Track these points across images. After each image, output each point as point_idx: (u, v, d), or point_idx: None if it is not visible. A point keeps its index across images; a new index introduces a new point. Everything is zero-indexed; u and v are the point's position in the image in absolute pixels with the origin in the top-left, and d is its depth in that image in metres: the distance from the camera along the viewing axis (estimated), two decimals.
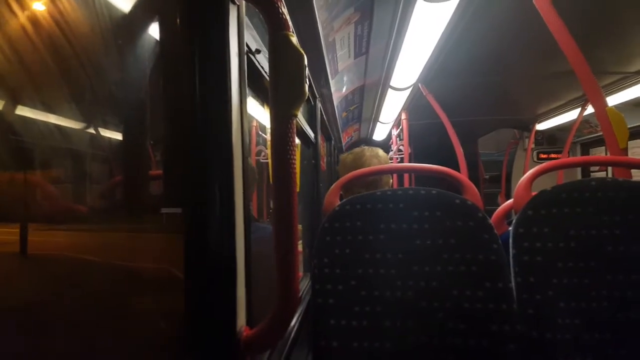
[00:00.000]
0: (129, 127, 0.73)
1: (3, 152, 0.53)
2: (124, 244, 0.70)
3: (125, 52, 0.74)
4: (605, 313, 1.15)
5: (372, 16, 2.31)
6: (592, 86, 1.70)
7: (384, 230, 1.18)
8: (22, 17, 0.56)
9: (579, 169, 4.85)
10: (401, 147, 4.91)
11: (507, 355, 1.09)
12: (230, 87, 0.70)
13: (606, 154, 3.03)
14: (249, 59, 0.91)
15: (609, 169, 4.51)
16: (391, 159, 5.11)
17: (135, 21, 0.74)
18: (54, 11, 0.60)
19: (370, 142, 6.84)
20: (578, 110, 4.08)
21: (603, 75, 3.16)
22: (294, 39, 0.64)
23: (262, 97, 1.34)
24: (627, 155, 1.71)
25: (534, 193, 1.28)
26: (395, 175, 4.96)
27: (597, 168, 4.90)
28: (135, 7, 0.73)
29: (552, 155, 5.46)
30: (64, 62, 0.63)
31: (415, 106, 4.23)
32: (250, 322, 0.71)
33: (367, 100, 4.65)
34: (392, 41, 2.58)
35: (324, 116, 3.12)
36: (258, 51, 0.93)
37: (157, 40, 0.75)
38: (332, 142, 4.60)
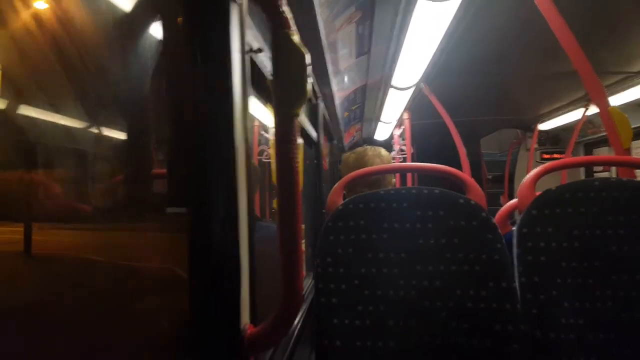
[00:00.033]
0: (132, 127, 0.73)
1: (7, 151, 0.53)
2: (128, 243, 0.70)
3: (127, 51, 0.74)
4: (610, 313, 1.15)
5: (373, 15, 2.31)
6: (595, 86, 1.69)
7: (387, 230, 1.18)
8: (23, 16, 0.56)
9: (582, 170, 4.84)
10: (403, 147, 4.90)
11: (511, 355, 1.09)
12: (232, 86, 0.70)
13: (609, 154, 3.02)
14: (251, 58, 0.91)
15: (613, 169, 4.50)
16: (393, 158, 5.10)
17: (136, 21, 0.74)
18: (55, 11, 0.60)
19: (372, 142, 6.83)
20: (581, 110, 4.07)
21: (605, 75, 3.15)
22: (296, 38, 0.64)
23: (264, 97, 1.34)
24: (630, 155, 1.71)
25: (537, 193, 1.28)
26: (397, 175, 4.95)
27: (600, 168, 4.88)
28: (136, 7, 0.73)
29: (555, 156, 5.44)
30: (66, 62, 0.63)
31: (417, 106, 4.23)
32: (253, 321, 0.71)
33: (369, 99, 4.65)
34: (393, 40, 2.58)
35: (326, 116, 3.12)
36: (260, 50, 0.93)
37: (158, 40, 0.75)
38: (334, 141, 4.60)
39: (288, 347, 1.20)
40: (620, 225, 1.20)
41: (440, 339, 1.11)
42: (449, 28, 2.26)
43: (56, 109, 0.60)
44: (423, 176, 4.55)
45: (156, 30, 0.76)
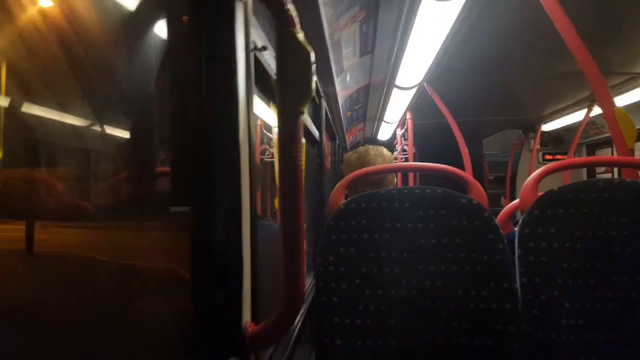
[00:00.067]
0: (136, 125, 0.73)
1: (12, 148, 0.53)
2: (131, 241, 0.70)
3: (132, 49, 0.74)
4: (610, 314, 1.15)
5: (377, 14, 2.30)
6: (600, 86, 1.69)
7: (389, 229, 1.17)
8: (28, 14, 0.56)
9: (584, 172, 4.82)
10: (405, 147, 4.89)
11: (512, 355, 1.09)
12: (237, 84, 0.69)
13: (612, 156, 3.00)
14: (255, 57, 0.90)
15: (615, 171, 4.48)
16: (395, 158, 5.10)
17: (141, 19, 0.74)
18: (60, 9, 0.60)
19: (374, 142, 6.82)
20: (584, 111, 4.05)
21: (610, 75, 3.14)
22: (301, 36, 0.64)
23: (267, 95, 1.34)
24: (634, 156, 1.70)
25: (540, 193, 1.27)
26: (399, 175, 4.95)
27: (602, 170, 4.87)
28: (141, 5, 0.73)
29: (558, 157, 5.43)
30: (71, 60, 0.63)
31: (419, 106, 4.22)
32: (255, 319, 0.71)
33: (372, 99, 4.64)
34: (397, 40, 2.57)
35: (329, 115, 3.12)
36: (264, 48, 0.93)
37: (163, 38, 0.75)
38: (337, 141, 4.59)
39: (289, 346, 1.20)
40: (624, 226, 1.19)
41: (441, 339, 1.11)
42: (452, 27, 2.25)
43: (60, 107, 0.60)
44: (424, 177, 4.54)
45: (161, 28, 0.76)
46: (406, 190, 1.21)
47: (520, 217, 1.29)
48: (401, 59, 2.80)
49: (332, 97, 2.90)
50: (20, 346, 0.50)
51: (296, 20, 0.64)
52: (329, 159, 4.04)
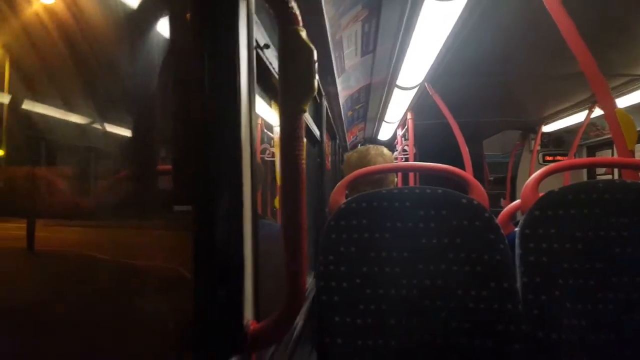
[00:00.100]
0: (138, 123, 0.73)
1: (14, 146, 0.53)
2: (132, 240, 0.70)
3: (134, 47, 0.74)
4: (611, 314, 1.15)
5: (379, 14, 2.30)
6: (602, 87, 1.69)
7: (389, 229, 1.17)
8: (32, 13, 0.56)
9: (584, 173, 4.82)
10: (406, 147, 4.89)
11: (512, 355, 1.09)
12: (239, 83, 0.69)
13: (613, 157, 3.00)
14: (257, 55, 0.90)
15: (615, 172, 4.48)
16: (396, 158, 5.10)
17: (144, 17, 0.74)
18: (63, 6, 0.60)
19: (375, 142, 6.82)
20: (585, 112, 4.05)
21: (611, 77, 3.14)
22: (304, 34, 0.64)
23: (268, 94, 1.33)
24: (634, 157, 1.70)
25: (540, 194, 1.27)
26: (400, 175, 4.95)
27: (603, 171, 4.87)
28: (144, 3, 0.73)
29: (558, 158, 5.43)
30: (73, 57, 0.63)
31: (420, 106, 4.22)
32: (256, 317, 0.71)
33: (373, 99, 4.64)
34: (399, 40, 2.57)
35: (330, 114, 3.12)
36: (267, 46, 0.93)
37: (166, 36, 0.75)
38: (337, 140, 4.59)
39: (289, 345, 1.20)
40: (624, 227, 1.19)
41: (441, 339, 1.11)
42: (454, 27, 2.25)
43: (62, 105, 0.60)
44: (425, 177, 4.53)
45: (164, 26, 0.76)
46: (407, 190, 1.21)
47: (520, 218, 1.29)
48: (402, 59, 2.80)
49: (333, 97, 2.90)
50: (22, 345, 0.50)
51: (299, 18, 0.64)
52: (330, 159, 4.04)
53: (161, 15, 0.76)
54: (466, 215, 1.17)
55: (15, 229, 0.52)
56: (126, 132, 0.73)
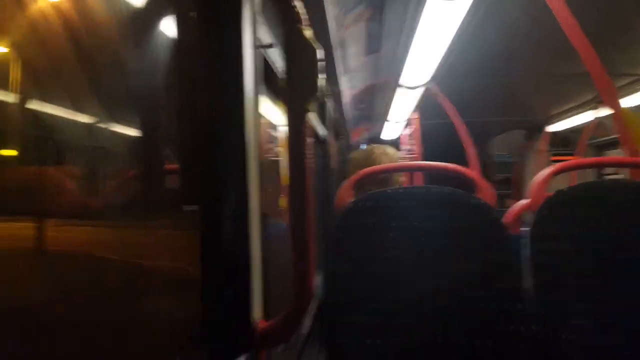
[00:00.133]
0: (144, 123, 0.73)
1: (23, 146, 0.53)
2: (139, 240, 0.70)
3: (139, 47, 0.74)
4: (620, 316, 1.14)
5: (383, 13, 2.30)
6: (607, 87, 1.68)
7: (396, 228, 1.17)
8: (37, 14, 0.56)
9: (592, 173, 4.79)
10: (412, 147, 4.89)
11: (519, 355, 1.09)
12: (244, 82, 0.69)
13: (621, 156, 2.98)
14: (262, 54, 0.90)
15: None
16: (401, 158, 5.09)
17: (149, 16, 0.74)
18: (70, 7, 0.60)
19: (379, 141, 6.81)
20: (591, 112, 4.03)
21: (616, 77, 3.12)
22: (308, 33, 0.64)
23: (273, 93, 1.33)
24: None
25: (549, 194, 1.27)
26: (407, 175, 4.94)
27: (612, 171, 4.84)
28: (149, 4, 0.73)
29: (565, 158, 5.40)
30: (78, 57, 0.63)
31: (425, 105, 4.21)
32: (265, 316, 0.71)
33: (377, 98, 4.64)
34: (403, 39, 2.57)
35: (335, 114, 3.12)
36: (270, 45, 0.93)
37: (170, 35, 0.75)
38: (342, 140, 4.59)
39: (298, 344, 1.20)
40: (634, 227, 1.18)
41: (449, 339, 1.11)
42: (459, 27, 2.25)
43: (70, 105, 0.60)
44: (431, 177, 4.52)
45: (168, 25, 0.76)
46: (413, 190, 1.21)
47: (528, 217, 1.29)
48: (407, 59, 2.80)
49: (337, 96, 2.90)
50: (38, 345, 0.50)
51: (304, 17, 0.64)
52: (334, 159, 4.04)
53: (166, 16, 0.76)
54: (473, 215, 1.17)
55: (25, 228, 0.52)
56: (133, 132, 0.73)
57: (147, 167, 0.75)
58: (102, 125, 0.66)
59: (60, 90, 0.60)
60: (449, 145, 4.51)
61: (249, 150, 0.69)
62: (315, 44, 0.64)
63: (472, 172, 1.38)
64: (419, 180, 4.96)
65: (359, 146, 6.62)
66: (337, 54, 2.09)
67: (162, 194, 0.76)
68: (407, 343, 1.11)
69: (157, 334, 0.68)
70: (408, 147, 5.28)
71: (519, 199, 1.59)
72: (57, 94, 0.59)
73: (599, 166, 4.43)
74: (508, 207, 1.55)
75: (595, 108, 3.93)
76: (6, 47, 0.51)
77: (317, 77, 0.64)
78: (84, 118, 0.63)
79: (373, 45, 2.74)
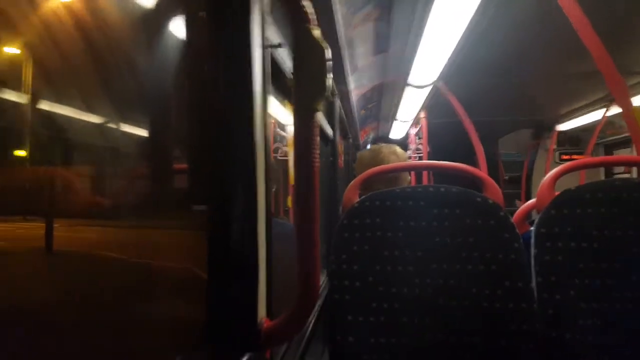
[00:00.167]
0: (153, 123, 0.73)
1: (33, 146, 0.54)
2: (148, 240, 0.70)
3: (148, 47, 0.74)
4: (627, 315, 1.13)
5: (391, 12, 2.30)
6: (619, 86, 1.66)
7: (403, 228, 1.17)
8: (49, 14, 0.56)
9: (601, 172, 4.75)
10: (419, 146, 4.87)
11: (526, 355, 1.08)
12: (253, 82, 0.69)
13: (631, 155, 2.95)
14: (270, 54, 0.90)
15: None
16: (409, 157, 5.08)
17: (157, 17, 0.74)
18: (81, 7, 0.61)
19: (387, 141, 6.80)
20: (601, 111, 3.99)
21: (628, 75, 3.08)
22: (317, 32, 0.64)
23: (281, 93, 1.34)
24: None
25: (556, 193, 1.26)
26: (413, 174, 4.93)
27: (621, 170, 4.79)
28: (159, 4, 0.74)
29: (574, 157, 5.36)
30: (88, 57, 0.63)
31: (433, 104, 4.19)
32: (270, 315, 0.72)
33: (385, 98, 4.63)
34: (411, 38, 2.56)
35: (342, 114, 3.11)
36: (279, 45, 0.93)
37: (179, 35, 0.76)
38: (350, 139, 4.59)
39: (302, 342, 1.20)
40: None
41: (454, 338, 1.11)
42: (468, 26, 2.23)
43: (81, 105, 0.61)
44: (438, 176, 4.51)
45: (177, 26, 0.76)
46: (420, 189, 1.21)
47: (536, 217, 1.28)
48: (415, 58, 2.79)
49: (345, 96, 2.90)
50: (45, 344, 0.51)
51: (312, 16, 0.64)
52: (342, 158, 4.04)
53: (175, 16, 0.77)
54: (481, 214, 1.16)
55: (32, 228, 0.53)
56: (142, 132, 0.73)
57: (156, 167, 0.76)
58: (112, 125, 0.67)
59: (71, 90, 0.61)
60: (457, 144, 4.49)
61: (258, 151, 0.70)
62: (324, 44, 0.64)
63: (481, 171, 1.37)
64: (426, 179, 4.94)
65: (366, 145, 6.63)
66: (345, 54, 2.08)
67: (171, 194, 0.77)
68: (412, 342, 1.11)
69: (163, 333, 0.68)
70: (415, 146, 5.27)
71: (528, 198, 1.58)
72: (68, 94, 0.60)
73: (607, 165, 4.39)
74: (517, 206, 1.54)
75: (606, 107, 3.89)
76: (17, 47, 0.52)
77: (325, 76, 0.64)
78: (94, 118, 0.63)
79: (381, 44, 2.73)
